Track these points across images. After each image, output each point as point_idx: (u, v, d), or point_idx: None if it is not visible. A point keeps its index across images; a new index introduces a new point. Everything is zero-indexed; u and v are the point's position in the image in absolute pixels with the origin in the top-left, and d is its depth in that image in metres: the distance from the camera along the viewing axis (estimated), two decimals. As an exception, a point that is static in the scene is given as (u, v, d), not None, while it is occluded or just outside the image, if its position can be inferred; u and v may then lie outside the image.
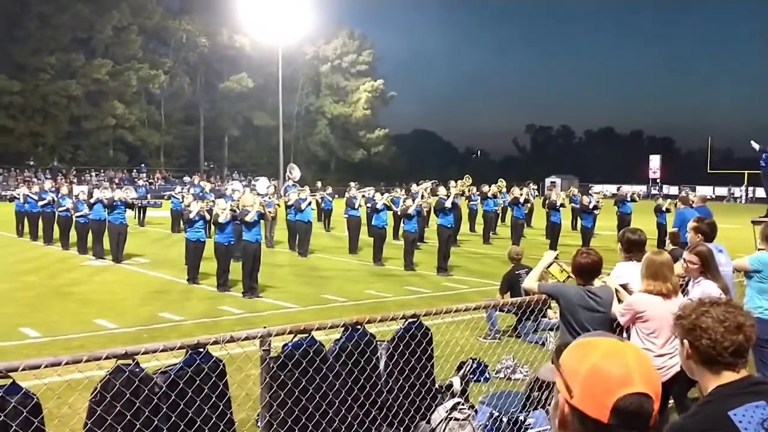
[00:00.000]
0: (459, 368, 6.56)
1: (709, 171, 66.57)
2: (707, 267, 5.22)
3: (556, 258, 5.62)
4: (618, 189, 25.52)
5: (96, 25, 61.17)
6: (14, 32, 58.81)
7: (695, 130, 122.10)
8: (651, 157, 79.99)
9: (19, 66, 58.36)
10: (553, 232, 19.29)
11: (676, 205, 20.89)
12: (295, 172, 23.81)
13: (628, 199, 22.15)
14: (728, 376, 2.02)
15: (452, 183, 20.93)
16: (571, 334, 4.73)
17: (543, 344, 8.74)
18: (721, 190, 67.56)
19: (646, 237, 5.76)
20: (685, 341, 2.08)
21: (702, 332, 2.02)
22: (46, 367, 3.30)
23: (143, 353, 3.62)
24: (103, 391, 3.77)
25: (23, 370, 3.25)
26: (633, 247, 5.38)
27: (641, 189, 49.10)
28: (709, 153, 68.17)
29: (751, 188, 65.98)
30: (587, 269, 4.86)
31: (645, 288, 4.81)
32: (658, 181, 75.85)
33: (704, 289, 5.19)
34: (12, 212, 23.63)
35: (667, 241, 14.94)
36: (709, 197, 43.38)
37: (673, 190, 62.79)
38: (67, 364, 3.34)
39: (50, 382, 4.01)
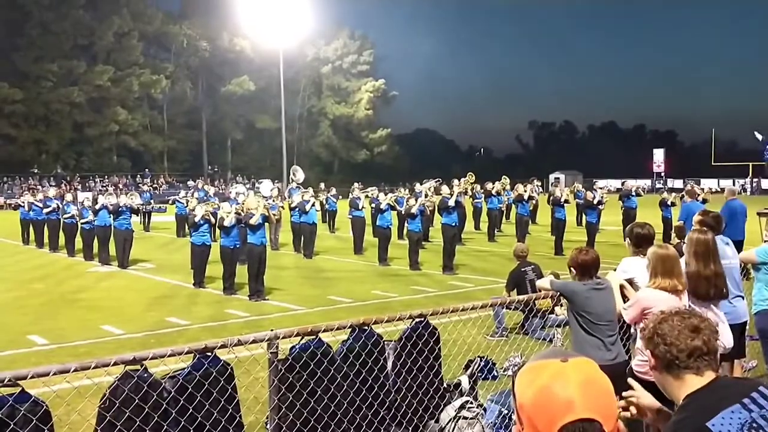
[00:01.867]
0: (467, 367, 6.56)
1: (713, 163, 66.47)
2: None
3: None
4: (622, 184, 25.41)
5: (97, 32, 61.37)
6: (16, 40, 59.03)
7: (698, 122, 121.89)
8: (654, 150, 79.94)
9: (21, 74, 58.57)
10: (558, 228, 19.23)
11: (681, 198, 20.88)
12: (299, 174, 23.85)
13: (633, 193, 22.10)
14: (693, 381, 2.02)
15: (455, 181, 20.92)
16: (587, 332, 4.72)
17: (551, 341, 8.73)
18: (726, 182, 67.40)
19: (655, 231, 5.75)
20: (648, 351, 2.14)
21: (659, 339, 2.08)
22: (54, 374, 3.30)
23: (151, 358, 3.62)
24: (112, 397, 3.78)
25: (32, 377, 3.25)
26: (642, 242, 5.37)
27: (645, 183, 48.97)
28: (713, 145, 68.08)
29: (756, 179, 65.85)
30: (587, 266, 4.87)
31: (659, 284, 4.76)
32: (662, 174, 75.76)
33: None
34: (17, 220, 23.70)
35: (673, 235, 14.93)
36: (714, 190, 43.30)
37: (678, 183, 62.75)
38: (75, 371, 3.34)
39: (59, 389, 4.01)
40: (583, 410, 1.47)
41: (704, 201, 17.61)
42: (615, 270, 5.61)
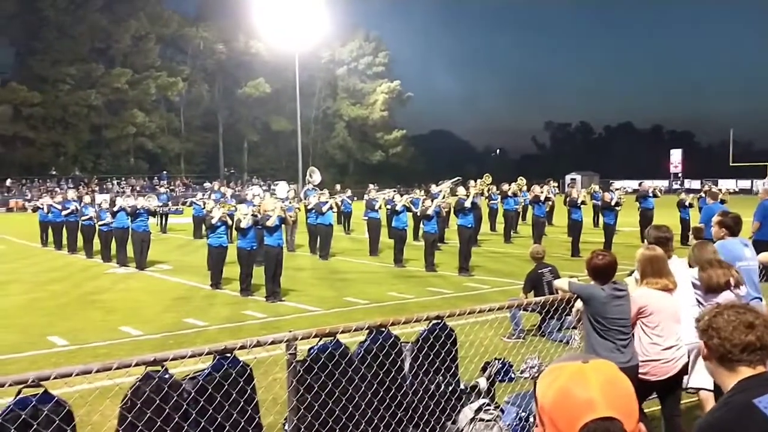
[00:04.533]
0: (484, 369, 6.56)
1: (731, 164, 65.86)
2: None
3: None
4: (639, 184, 25.25)
5: (114, 35, 61.88)
6: (34, 44, 59.63)
7: (715, 123, 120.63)
8: (672, 151, 79.32)
9: (39, 77, 59.14)
10: (574, 229, 19.14)
11: (699, 199, 20.72)
12: (316, 176, 23.88)
13: (650, 194, 21.95)
14: (745, 372, 2.10)
15: (472, 183, 20.88)
16: (600, 334, 4.70)
17: (567, 343, 8.70)
18: (744, 183, 66.79)
19: (673, 233, 5.72)
20: (702, 342, 2.20)
21: (714, 332, 2.15)
22: (77, 375, 3.34)
23: (172, 359, 3.66)
24: (133, 398, 3.82)
25: (54, 378, 3.29)
26: (660, 245, 5.34)
27: (662, 184, 48.56)
28: (730, 146, 67.47)
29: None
30: (604, 270, 4.84)
31: (650, 284, 4.84)
32: (680, 175, 75.17)
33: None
34: (36, 222, 23.94)
35: (691, 236, 14.81)
36: (732, 190, 42.87)
37: (695, 184, 62.17)
38: (97, 371, 3.38)
39: (81, 390, 4.07)
40: (604, 409, 1.48)
41: (722, 202, 17.47)
42: (631, 273, 5.59)
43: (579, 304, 5.06)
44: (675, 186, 63.99)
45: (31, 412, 3.40)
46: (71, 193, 24.45)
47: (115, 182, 58.78)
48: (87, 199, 22.10)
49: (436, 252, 16.86)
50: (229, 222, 14.15)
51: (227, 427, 4.12)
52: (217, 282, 13.89)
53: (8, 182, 55.21)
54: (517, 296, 10.03)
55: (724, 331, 2.12)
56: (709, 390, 5.21)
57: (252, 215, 13.03)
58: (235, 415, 4.15)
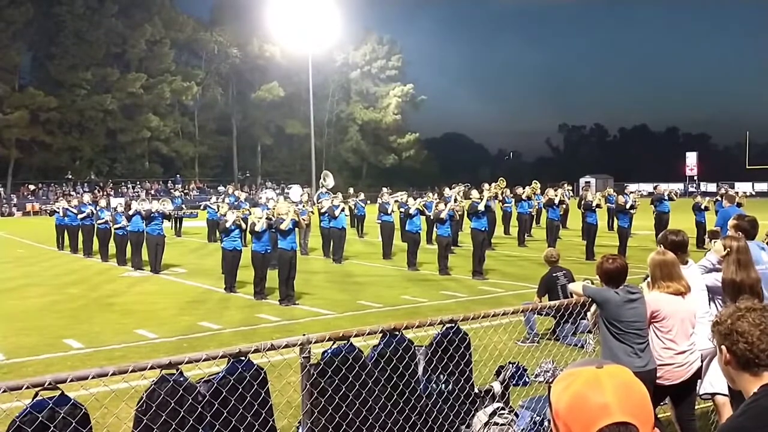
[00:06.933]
0: (498, 373, 6.54)
1: (747, 166, 65.31)
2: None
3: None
4: (655, 188, 25.11)
5: (129, 40, 62.33)
6: (51, 49, 60.20)
7: (731, 125, 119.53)
8: (687, 154, 78.75)
9: (56, 82, 59.68)
10: (589, 233, 19.07)
11: (715, 202, 20.57)
12: (329, 180, 23.96)
13: (666, 197, 21.82)
14: None
15: (486, 186, 20.83)
16: (616, 338, 4.68)
17: (582, 347, 8.66)
18: (761, 186, 66.20)
19: (688, 237, 5.66)
20: (723, 347, 2.08)
21: (738, 336, 2.03)
22: (93, 378, 3.37)
23: (187, 362, 3.67)
24: (148, 401, 3.84)
25: (71, 381, 3.32)
26: (676, 249, 5.30)
27: (678, 187, 48.20)
28: (747, 148, 66.92)
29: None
30: (614, 274, 4.82)
31: (662, 289, 4.81)
32: (695, 178, 74.61)
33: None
34: (52, 226, 24.14)
35: (707, 240, 14.71)
36: (749, 193, 42.46)
37: (711, 187, 61.71)
38: (113, 374, 3.40)
39: (96, 392, 4.09)
40: (620, 414, 1.47)
41: (739, 205, 17.32)
42: (646, 278, 5.56)
43: (595, 307, 5.04)
44: (691, 189, 63.57)
45: (47, 414, 3.44)
46: (87, 197, 24.66)
47: (130, 186, 59.19)
48: (102, 202, 22.22)
49: (449, 255, 16.84)
50: (243, 225, 14.21)
51: (241, 430, 4.14)
52: (232, 285, 13.95)
53: (31, 187, 55.83)
54: (531, 300, 9.99)
55: (751, 336, 2.01)
56: (725, 395, 5.16)
57: (266, 219, 13.08)
58: (249, 418, 4.17)
